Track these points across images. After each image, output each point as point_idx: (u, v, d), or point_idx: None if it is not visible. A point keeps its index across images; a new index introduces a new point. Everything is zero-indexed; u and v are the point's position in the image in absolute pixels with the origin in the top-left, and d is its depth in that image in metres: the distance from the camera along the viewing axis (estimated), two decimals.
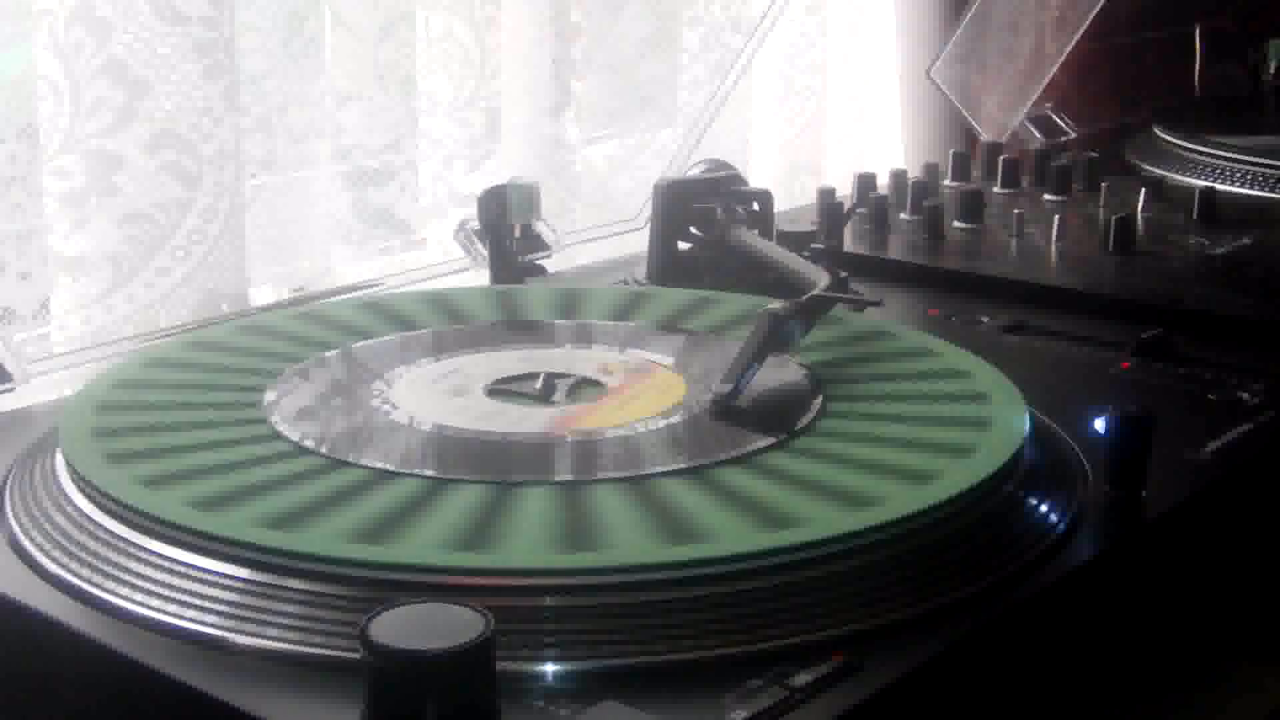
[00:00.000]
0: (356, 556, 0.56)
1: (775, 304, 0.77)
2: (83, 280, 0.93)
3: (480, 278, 1.05)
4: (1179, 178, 1.35)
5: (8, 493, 0.67)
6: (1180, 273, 1.05)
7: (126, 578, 0.58)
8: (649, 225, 1.03)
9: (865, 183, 1.24)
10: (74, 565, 0.60)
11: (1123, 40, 1.75)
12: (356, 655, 0.48)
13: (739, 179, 1.04)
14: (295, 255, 1.07)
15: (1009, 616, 0.58)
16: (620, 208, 1.25)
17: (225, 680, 0.52)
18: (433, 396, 0.74)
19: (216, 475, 0.64)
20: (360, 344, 0.82)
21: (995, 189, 1.28)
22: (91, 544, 0.60)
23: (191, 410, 0.72)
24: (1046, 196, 1.26)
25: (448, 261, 1.07)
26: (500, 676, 0.49)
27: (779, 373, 0.77)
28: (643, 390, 0.76)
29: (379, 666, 0.47)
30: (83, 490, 0.64)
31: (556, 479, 0.65)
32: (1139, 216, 1.17)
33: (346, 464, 0.65)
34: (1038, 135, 1.53)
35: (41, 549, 0.61)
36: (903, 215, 1.19)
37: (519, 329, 0.86)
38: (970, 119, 1.48)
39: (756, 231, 1.00)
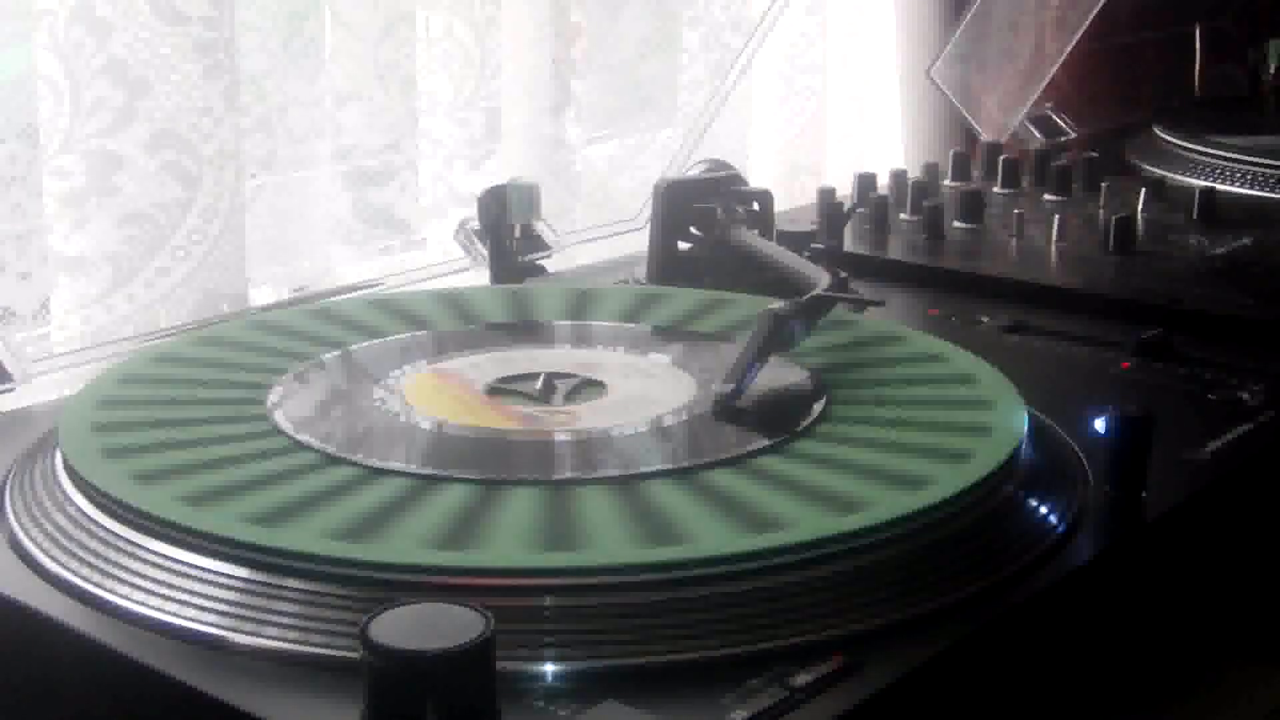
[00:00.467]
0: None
1: (776, 304, 0.77)
2: (83, 280, 0.93)
3: (480, 278, 1.05)
4: (1179, 178, 1.35)
5: (8, 492, 0.67)
6: (1180, 273, 1.05)
7: (126, 577, 0.58)
8: (649, 225, 1.03)
9: (865, 183, 1.24)
10: (74, 565, 0.60)
11: (1123, 40, 1.75)
12: (356, 655, 0.48)
13: (739, 179, 1.04)
14: (295, 255, 1.07)
15: (1009, 617, 0.58)
16: (620, 208, 1.25)
17: (225, 680, 0.52)
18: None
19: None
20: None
21: (995, 189, 1.28)
22: (91, 543, 0.60)
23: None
24: (1046, 196, 1.26)
25: (448, 261, 1.07)
26: (500, 676, 0.49)
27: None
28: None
29: (379, 666, 0.47)
30: (82, 490, 0.64)
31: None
32: (1139, 216, 1.17)
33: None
34: (1038, 135, 1.53)
35: (41, 549, 0.61)
36: (903, 215, 1.19)
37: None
38: (970, 119, 1.48)
39: (756, 231, 1.00)
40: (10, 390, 0.81)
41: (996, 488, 0.65)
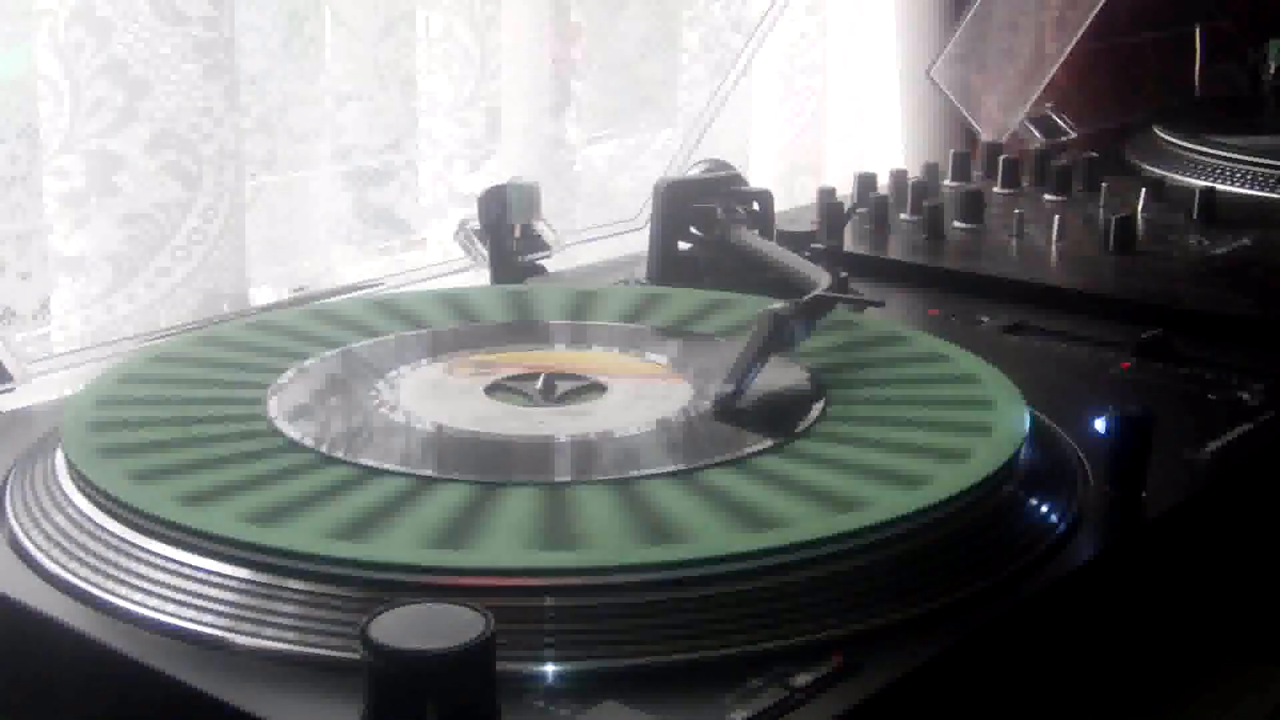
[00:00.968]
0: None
1: (776, 304, 0.77)
2: (83, 280, 0.93)
3: (480, 278, 1.05)
4: (1179, 178, 1.35)
5: (8, 493, 0.67)
6: (1180, 273, 1.05)
7: (127, 578, 0.58)
8: (649, 225, 1.03)
9: (865, 183, 1.24)
10: (74, 565, 0.60)
11: (1123, 40, 1.75)
12: (356, 655, 0.48)
13: (739, 179, 1.04)
14: (295, 255, 1.07)
15: (1009, 617, 0.58)
16: (620, 208, 1.25)
17: (225, 680, 0.52)
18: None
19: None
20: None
21: (995, 189, 1.28)
22: (91, 544, 0.60)
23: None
24: (1046, 196, 1.26)
25: (448, 261, 1.07)
26: (500, 676, 0.49)
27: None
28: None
29: (379, 666, 0.47)
30: (83, 490, 0.64)
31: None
32: (1139, 216, 1.17)
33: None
34: (1038, 135, 1.53)
35: (41, 549, 0.61)
36: (903, 215, 1.19)
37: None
38: (970, 119, 1.48)
39: (757, 231, 1.00)
40: (10, 390, 0.81)
41: (997, 487, 0.65)
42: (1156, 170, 1.38)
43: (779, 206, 1.06)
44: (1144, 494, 0.68)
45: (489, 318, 0.87)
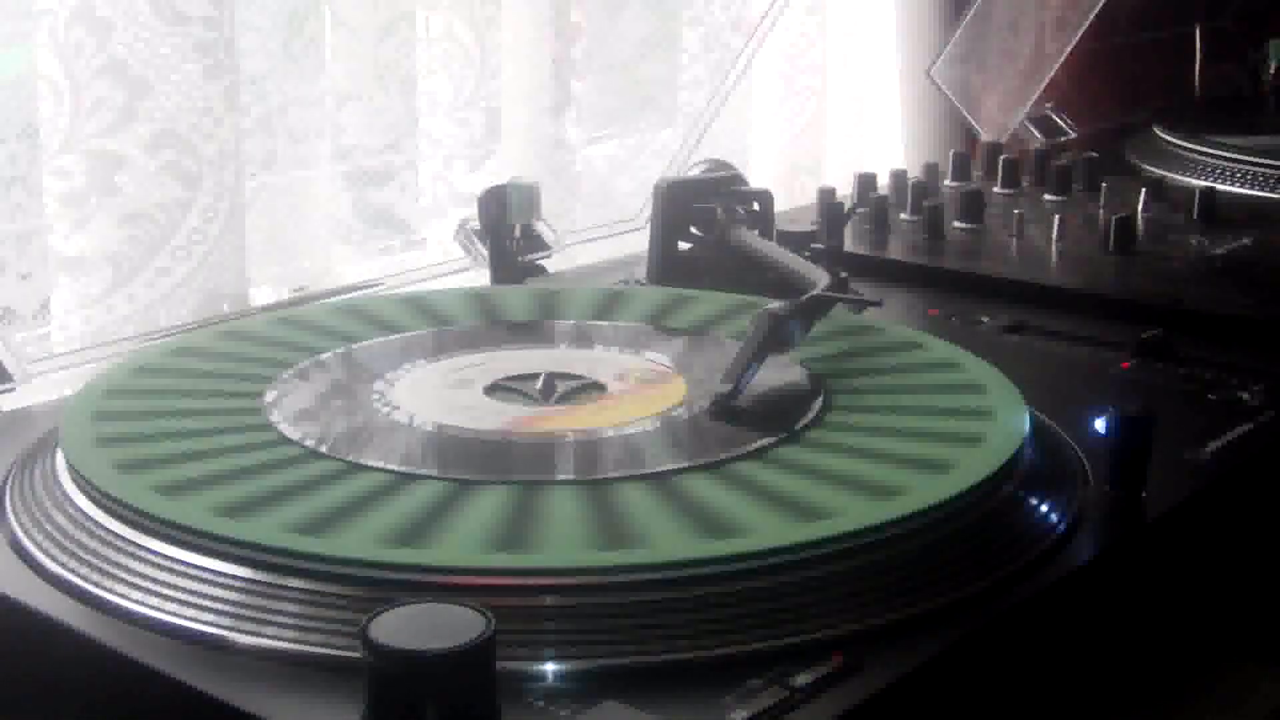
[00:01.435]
0: (357, 556, 0.56)
1: (775, 304, 0.77)
2: (83, 280, 0.93)
3: (480, 278, 1.05)
4: (1179, 178, 1.35)
5: (8, 492, 0.67)
6: (1180, 273, 1.05)
7: (126, 577, 0.58)
8: (649, 225, 1.03)
9: (865, 183, 1.24)
10: (74, 565, 0.60)
11: (1123, 40, 1.75)
12: (356, 655, 0.48)
13: (739, 179, 1.04)
14: (295, 255, 1.07)
15: (1009, 617, 0.58)
16: (620, 208, 1.25)
17: (225, 680, 0.52)
18: (432, 397, 0.74)
19: (213, 470, 0.64)
20: (359, 345, 0.82)
21: (995, 189, 1.29)
22: (91, 543, 0.60)
23: (194, 403, 0.72)
24: (1046, 196, 1.26)
25: (448, 261, 1.07)
26: (500, 676, 0.49)
27: (780, 373, 0.77)
28: (642, 391, 0.76)
29: (379, 666, 0.47)
30: (83, 490, 0.64)
31: (557, 479, 0.65)
32: (1139, 216, 1.17)
33: (348, 464, 0.65)
34: (1038, 135, 1.53)
35: (41, 549, 0.61)
36: (903, 215, 1.19)
37: (520, 330, 0.86)
38: (970, 119, 1.48)
39: (756, 231, 1.00)
40: (10, 390, 0.81)
41: (997, 488, 0.65)
42: (1156, 170, 1.38)
43: (779, 206, 1.06)
44: (1144, 494, 0.68)
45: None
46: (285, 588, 0.56)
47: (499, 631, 0.48)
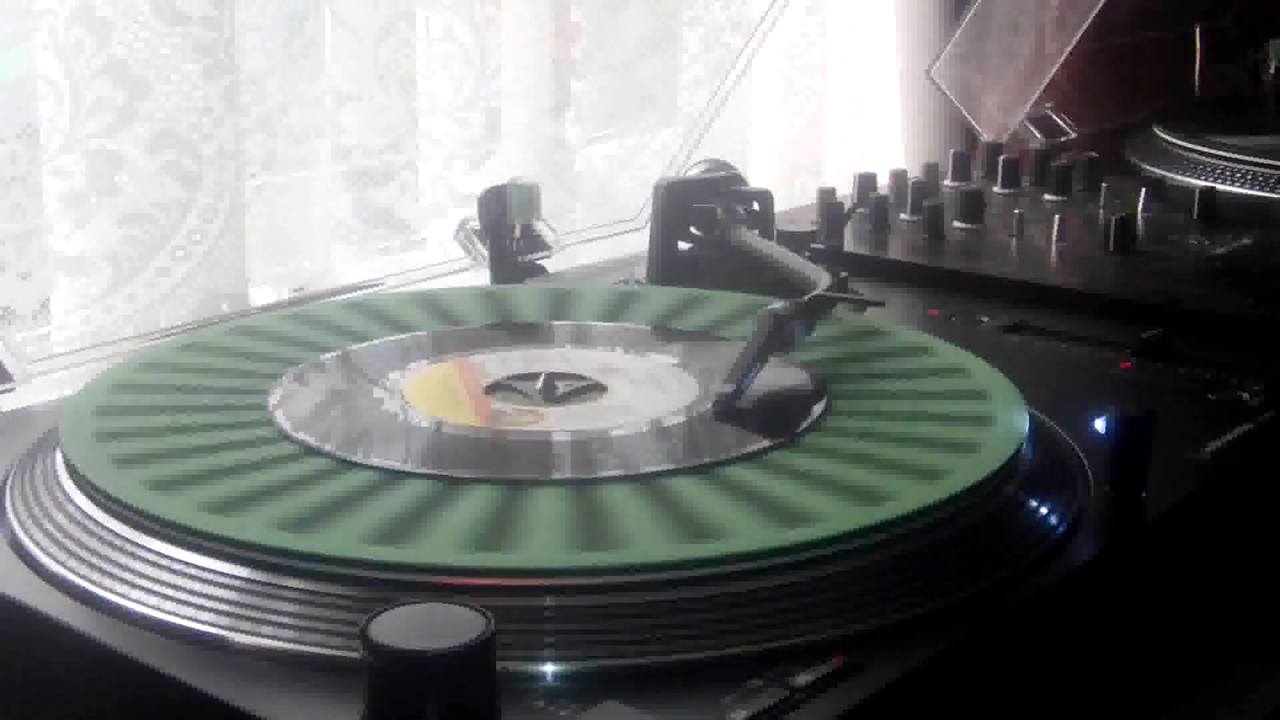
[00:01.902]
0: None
1: (776, 304, 0.77)
2: (83, 280, 0.93)
3: (480, 278, 1.05)
4: (1179, 178, 1.35)
5: (8, 492, 0.67)
6: (1180, 273, 1.05)
7: (126, 577, 0.58)
8: (649, 225, 1.03)
9: (865, 183, 1.24)
10: (74, 565, 0.60)
11: (1123, 40, 1.75)
12: (356, 655, 0.48)
13: (739, 179, 1.04)
14: (295, 255, 1.07)
15: (1009, 617, 0.58)
16: (620, 208, 1.25)
17: (225, 680, 0.52)
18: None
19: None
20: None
21: (995, 189, 1.28)
22: (91, 543, 0.60)
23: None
24: (1046, 196, 1.26)
25: (448, 261, 1.07)
26: (500, 676, 0.49)
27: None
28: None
29: (379, 666, 0.47)
30: (83, 489, 0.64)
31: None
32: (1139, 216, 1.17)
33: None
34: (1038, 135, 1.53)
35: (42, 549, 0.61)
36: (903, 215, 1.19)
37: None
38: (970, 119, 1.48)
39: (757, 231, 1.00)
40: (10, 390, 0.81)
41: (997, 488, 0.65)
42: (1156, 170, 1.38)
43: (779, 206, 1.06)
44: (1144, 494, 0.68)
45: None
46: (284, 588, 0.56)
47: (499, 631, 0.48)
